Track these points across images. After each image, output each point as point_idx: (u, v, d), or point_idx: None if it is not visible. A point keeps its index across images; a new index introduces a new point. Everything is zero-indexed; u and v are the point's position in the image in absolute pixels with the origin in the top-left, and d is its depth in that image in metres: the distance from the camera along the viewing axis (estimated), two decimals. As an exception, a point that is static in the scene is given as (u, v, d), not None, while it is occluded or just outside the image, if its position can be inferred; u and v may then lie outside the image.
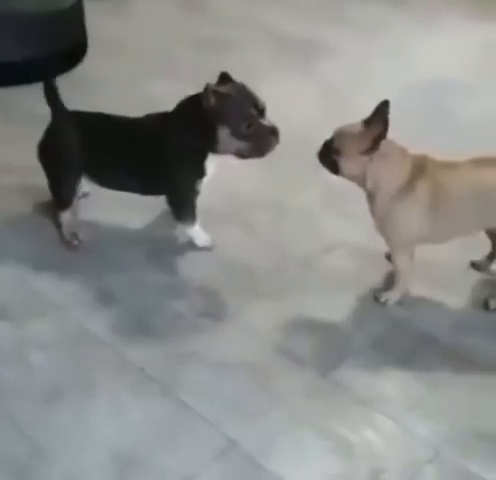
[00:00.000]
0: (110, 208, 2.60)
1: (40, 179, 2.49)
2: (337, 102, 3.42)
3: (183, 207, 2.43)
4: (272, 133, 2.24)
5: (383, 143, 2.08)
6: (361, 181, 2.16)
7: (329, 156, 2.16)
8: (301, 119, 3.16)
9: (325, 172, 2.22)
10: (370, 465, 1.83)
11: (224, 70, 2.32)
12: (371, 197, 2.18)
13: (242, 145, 2.24)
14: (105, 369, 2.06)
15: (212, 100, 2.20)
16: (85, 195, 2.59)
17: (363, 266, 2.43)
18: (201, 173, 2.35)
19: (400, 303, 2.27)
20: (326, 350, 2.14)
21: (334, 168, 2.17)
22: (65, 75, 3.28)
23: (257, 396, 1.99)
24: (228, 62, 3.68)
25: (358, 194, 2.21)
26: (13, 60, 3.44)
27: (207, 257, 2.47)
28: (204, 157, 2.33)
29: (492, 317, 2.26)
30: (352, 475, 1.81)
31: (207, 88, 2.21)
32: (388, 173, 2.12)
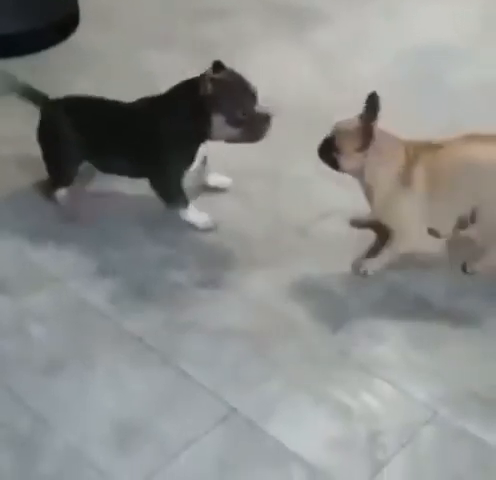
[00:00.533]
0: (108, 181, 2.59)
1: (37, 150, 2.48)
2: (331, 70, 3.40)
3: (170, 191, 2.42)
4: (266, 120, 2.25)
5: (376, 137, 2.10)
6: (360, 176, 2.19)
7: (329, 153, 2.19)
8: (296, 87, 3.14)
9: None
10: (368, 428, 1.85)
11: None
12: (369, 190, 2.21)
13: (236, 132, 2.25)
14: (104, 340, 2.07)
15: (209, 87, 2.20)
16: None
17: (358, 232, 2.44)
18: (191, 159, 2.36)
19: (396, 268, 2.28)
20: (324, 316, 2.16)
21: (334, 165, 2.20)
22: (60, 48, 3.27)
23: (256, 363, 2.01)
24: (222, 31, 3.68)
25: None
26: (5, 33, 3.41)
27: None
28: (197, 143, 2.33)
29: (485, 280, 2.28)
30: (350, 438, 1.83)
31: (204, 76, 2.21)
32: (383, 166, 2.14)
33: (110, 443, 1.80)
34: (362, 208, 2.33)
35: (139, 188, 2.51)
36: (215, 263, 2.35)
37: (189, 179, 2.44)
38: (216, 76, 2.24)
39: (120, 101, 2.42)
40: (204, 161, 2.48)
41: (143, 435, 1.82)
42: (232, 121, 2.23)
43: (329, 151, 2.18)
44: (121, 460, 1.77)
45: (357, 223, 2.44)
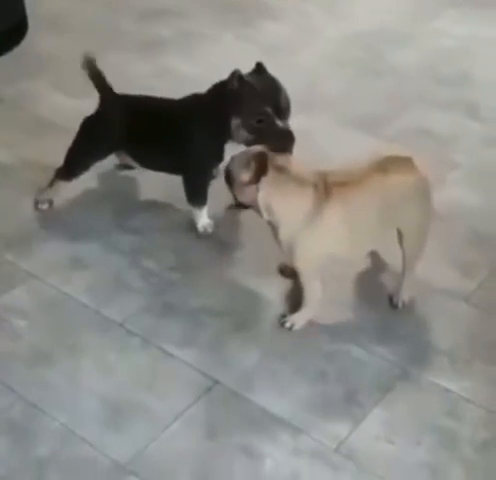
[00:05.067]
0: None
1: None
2: (280, 62, 3.51)
3: (195, 188, 2.45)
4: (284, 136, 2.22)
5: (276, 172, 1.96)
6: (258, 211, 2.03)
7: (227, 183, 2.08)
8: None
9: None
10: (345, 388, 1.98)
11: (258, 59, 2.30)
12: (273, 227, 2.05)
13: (251, 138, 2.24)
14: (86, 328, 2.16)
15: (235, 84, 2.23)
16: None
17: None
18: (218, 157, 2.38)
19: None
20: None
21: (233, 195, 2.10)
22: (11, 55, 3.31)
23: (234, 339, 2.12)
24: (171, 30, 3.77)
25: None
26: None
27: (172, 215, 2.57)
28: (221, 142, 2.35)
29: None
30: (328, 398, 1.95)
31: (234, 73, 2.23)
32: (286, 205, 1.99)
33: (102, 421, 1.89)
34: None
35: (109, 184, 2.60)
36: (186, 248, 2.44)
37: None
38: (246, 76, 2.25)
39: (170, 98, 2.45)
40: None
41: (133, 412, 1.92)
42: (246, 126, 2.25)
43: (227, 181, 2.08)
44: (115, 435, 1.86)
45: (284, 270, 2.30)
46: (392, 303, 2.22)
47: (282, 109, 2.25)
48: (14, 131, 2.98)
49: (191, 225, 2.50)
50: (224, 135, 2.33)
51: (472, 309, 2.23)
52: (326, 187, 1.99)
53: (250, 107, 2.23)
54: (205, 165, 2.45)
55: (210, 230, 2.49)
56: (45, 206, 2.59)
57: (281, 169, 1.97)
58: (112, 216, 2.57)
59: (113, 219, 2.56)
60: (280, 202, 1.98)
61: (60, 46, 3.57)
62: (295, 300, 2.19)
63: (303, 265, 2.07)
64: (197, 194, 2.46)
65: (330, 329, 2.15)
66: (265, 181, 1.96)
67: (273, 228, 2.05)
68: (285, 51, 3.61)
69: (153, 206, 2.62)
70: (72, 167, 2.55)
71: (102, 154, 2.53)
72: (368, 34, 3.78)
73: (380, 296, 2.26)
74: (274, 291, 2.27)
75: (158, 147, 2.46)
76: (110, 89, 2.49)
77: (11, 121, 3.03)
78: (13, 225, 2.53)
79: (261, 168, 1.94)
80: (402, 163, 2.05)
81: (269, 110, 2.23)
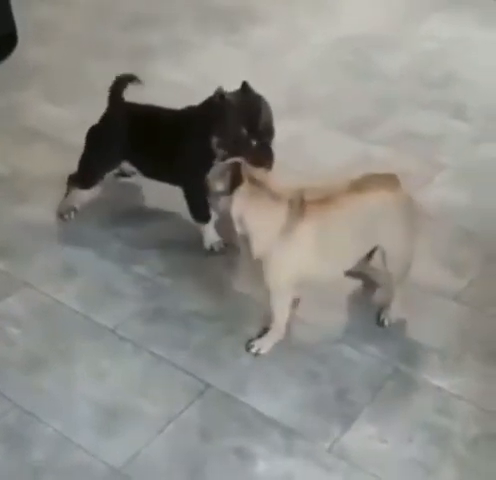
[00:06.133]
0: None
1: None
2: (268, 67, 3.54)
3: (195, 203, 2.42)
4: (259, 154, 2.20)
5: (251, 184, 1.93)
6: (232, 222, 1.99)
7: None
8: (233, 87, 3.27)
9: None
10: (337, 388, 1.99)
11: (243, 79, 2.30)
12: (244, 240, 2.01)
13: (228, 157, 2.19)
14: (79, 335, 2.17)
15: (217, 102, 2.23)
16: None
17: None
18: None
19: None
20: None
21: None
22: (3, 65, 3.34)
23: (225, 342, 2.14)
24: (159, 37, 3.79)
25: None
26: None
27: (163, 222, 2.59)
28: (212, 157, 2.30)
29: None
30: (320, 399, 1.97)
31: (217, 91, 2.24)
32: (259, 218, 1.95)
33: (96, 426, 1.90)
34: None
35: (101, 192, 2.62)
36: (175, 253, 2.46)
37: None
38: (229, 94, 2.25)
39: (170, 109, 2.46)
40: None
41: (127, 416, 1.93)
42: (223, 145, 2.25)
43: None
44: (109, 440, 1.87)
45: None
46: (378, 320, 2.18)
47: (259, 130, 2.23)
48: (4, 141, 3.00)
49: (181, 231, 2.52)
50: (211, 150, 2.32)
51: (462, 307, 2.24)
52: (302, 204, 1.95)
53: (226, 127, 2.24)
54: (200, 179, 2.34)
55: (217, 249, 2.45)
56: (68, 216, 2.60)
57: (257, 182, 1.94)
58: (103, 223, 2.59)
59: (104, 226, 2.57)
60: (253, 215, 1.95)
61: (49, 56, 3.59)
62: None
63: (273, 283, 2.02)
64: (198, 209, 2.43)
65: (321, 329, 2.16)
66: (240, 193, 1.93)
67: (245, 242, 2.00)
68: (273, 56, 3.64)
69: (144, 213, 2.64)
70: (86, 176, 2.58)
71: (110, 163, 2.54)
72: (355, 38, 3.81)
73: (370, 296, 2.27)
74: (264, 295, 2.28)
75: (158, 158, 2.46)
76: (122, 98, 2.50)
77: (0, 131, 3.05)
78: (5, 234, 2.54)
79: (235, 179, 1.92)
80: (382, 181, 2.00)
81: (244, 131, 2.22)
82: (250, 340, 2.12)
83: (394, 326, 2.17)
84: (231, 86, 2.27)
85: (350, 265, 2.09)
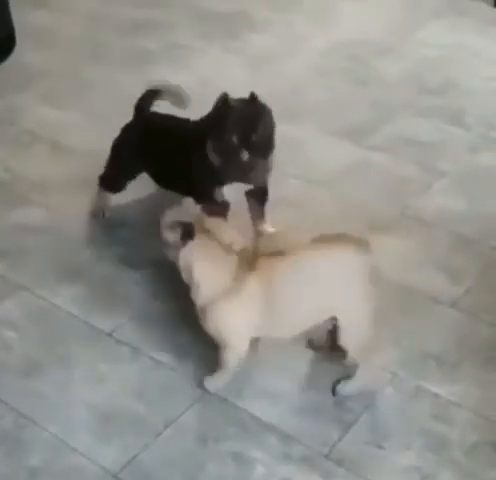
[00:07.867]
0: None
1: None
2: (267, 72, 3.55)
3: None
4: (240, 171, 2.22)
5: (202, 235, 1.87)
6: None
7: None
8: (232, 93, 3.27)
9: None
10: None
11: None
12: (191, 288, 1.94)
13: (218, 163, 2.23)
14: (76, 339, 2.16)
15: (219, 106, 2.20)
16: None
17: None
18: (218, 180, 2.30)
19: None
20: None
21: None
22: (1, 69, 3.34)
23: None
24: (158, 42, 3.80)
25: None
26: None
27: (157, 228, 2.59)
28: (223, 171, 2.27)
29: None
30: (318, 404, 1.96)
31: (222, 95, 2.21)
32: (206, 270, 1.88)
33: (93, 431, 1.90)
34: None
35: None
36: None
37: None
38: (232, 100, 2.20)
39: (184, 119, 2.45)
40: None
41: (124, 421, 1.92)
42: (215, 150, 2.23)
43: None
44: (106, 445, 1.86)
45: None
46: (333, 387, 1.99)
47: (252, 141, 2.17)
48: (2, 144, 3.00)
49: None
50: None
51: (459, 314, 2.24)
52: (253, 257, 1.87)
53: (220, 132, 2.20)
54: (209, 190, 2.35)
55: None
56: (98, 217, 2.61)
57: (208, 233, 1.87)
58: (101, 227, 2.58)
59: (101, 229, 2.57)
60: (201, 266, 1.88)
61: (48, 60, 3.59)
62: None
63: (217, 334, 1.94)
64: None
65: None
66: (189, 245, 1.87)
67: (191, 288, 1.94)
68: (271, 62, 3.65)
69: (141, 216, 2.63)
70: (111, 181, 2.59)
71: (130, 172, 2.55)
72: (353, 44, 3.82)
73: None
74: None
75: (170, 169, 2.45)
76: (148, 109, 2.51)
77: (-1, 134, 3.06)
78: (2, 237, 2.54)
79: (186, 233, 1.86)
80: (345, 241, 1.88)
81: (234, 139, 2.17)
82: (204, 377, 2.02)
83: (391, 332, 2.16)
84: (230, 91, 2.26)
85: (302, 327, 1.95)
